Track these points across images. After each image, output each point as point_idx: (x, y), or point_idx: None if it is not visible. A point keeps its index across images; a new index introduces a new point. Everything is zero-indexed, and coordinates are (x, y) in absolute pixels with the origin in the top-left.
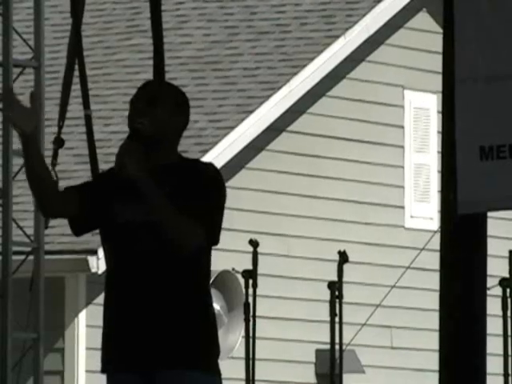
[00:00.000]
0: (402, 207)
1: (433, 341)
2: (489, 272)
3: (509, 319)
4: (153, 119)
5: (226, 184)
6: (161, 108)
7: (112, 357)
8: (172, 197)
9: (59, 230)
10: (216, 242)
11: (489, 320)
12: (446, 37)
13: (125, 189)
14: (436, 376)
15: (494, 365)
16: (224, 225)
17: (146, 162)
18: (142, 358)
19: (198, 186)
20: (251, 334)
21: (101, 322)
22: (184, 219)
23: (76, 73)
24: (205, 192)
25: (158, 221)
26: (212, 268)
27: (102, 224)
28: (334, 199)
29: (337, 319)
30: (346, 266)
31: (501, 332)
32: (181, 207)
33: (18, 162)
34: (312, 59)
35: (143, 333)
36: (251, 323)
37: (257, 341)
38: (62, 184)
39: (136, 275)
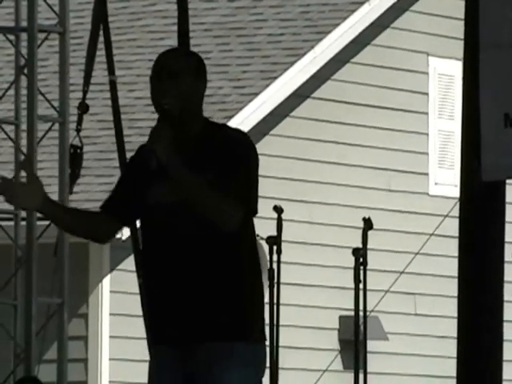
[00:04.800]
0: (427, 174)
1: (456, 308)
2: None
3: None
4: (177, 95)
5: None
6: (182, 81)
7: (154, 330)
8: (205, 170)
9: (84, 196)
10: (255, 212)
11: None
12: (468, 3)
13: (156, 171)
14: None
15: None
16: None
17: (176, 139)
18: (181, 332)
19: (230, 156)
20: (275, 300)
21: (124, 288)
22: (220, 198)
23: (101, 38)
24: (237, 162)
25: (193, 202)
26: None
27: (138, 207)
28: (358, 166)
29: (361, 286)
30: (370, 233)
31: None
32: (215, 181)
33: (42, 127)
34: (337, 25)
35: (183, 308)
36: (275, 289)
37: (281, 307)
38: (86, 149)
39: (173, 256)
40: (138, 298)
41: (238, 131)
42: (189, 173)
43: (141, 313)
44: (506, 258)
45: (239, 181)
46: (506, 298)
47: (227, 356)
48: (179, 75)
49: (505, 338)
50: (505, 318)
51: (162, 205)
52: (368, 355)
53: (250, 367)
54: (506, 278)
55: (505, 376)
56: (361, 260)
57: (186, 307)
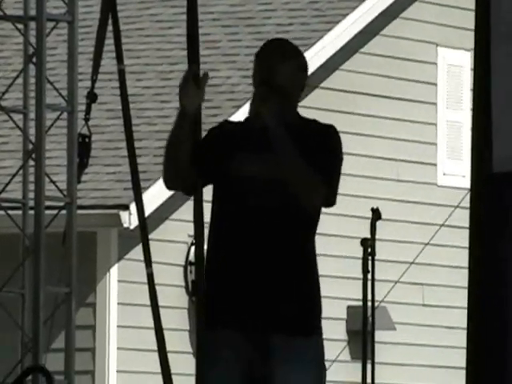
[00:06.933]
0: (435, 164)
1: (465, 298)
2: None
3: None
4: (285, 72)
5: None
6: (291, 62)
7: (224, 314)
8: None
9: (92, 185)
10: (333, 203)
11: None
12: None
13: (250, 139)
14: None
15: None
16: None
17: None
18: (255, 319)
19: (324, 147)
20: None
21: (132, 277)
22: (311, 176)
23: (109, 27)
24: (329, 155)
25: (284, 176)
26: None
27: (218, 177)
28: (367, 156)
29: (369, 276)
30: (378, 223)
31: None
32: (306, 165)
33: (50, 116)
34: (345, 15)
35: (256, 293)
36: None
37: None
38: (94, 138)
39: (250, 232)
40: (146, 287)
41: (333, 128)
42: (291, 143)
43: (148, 302)
44: None
45: (329, 171)
46: None
47: (302, 352)
48: (292, 58)
49: None
50: None
51: (251, 176)
52: (376, 345)
53: (322, 363)
54: None
55: None
56: (369, 250)
57: (262, 292)
